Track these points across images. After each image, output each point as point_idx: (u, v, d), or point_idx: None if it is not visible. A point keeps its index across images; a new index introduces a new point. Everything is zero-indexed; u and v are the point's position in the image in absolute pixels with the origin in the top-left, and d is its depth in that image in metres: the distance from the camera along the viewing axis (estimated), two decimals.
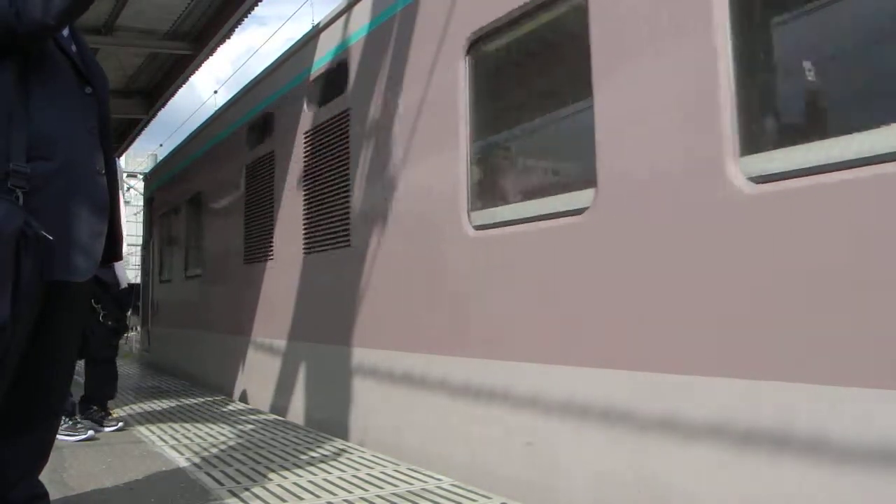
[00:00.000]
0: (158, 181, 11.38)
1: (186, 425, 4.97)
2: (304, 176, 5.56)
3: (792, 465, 2.12)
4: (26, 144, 1.91)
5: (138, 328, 13.15)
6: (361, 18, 4.87)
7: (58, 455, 3.89)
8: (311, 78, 5.60)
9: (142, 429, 4.80)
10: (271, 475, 3.44)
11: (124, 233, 2.39)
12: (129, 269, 15.29)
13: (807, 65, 2.37)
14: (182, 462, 3.77)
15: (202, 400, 6.39)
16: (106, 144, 2.17)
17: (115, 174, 2.21)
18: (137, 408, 5.88)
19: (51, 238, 1.89)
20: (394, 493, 3.11)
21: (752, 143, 2.30)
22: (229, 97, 10.00)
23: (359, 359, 4.63)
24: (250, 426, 4.94)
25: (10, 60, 1.94)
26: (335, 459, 3.81)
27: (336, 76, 5.19)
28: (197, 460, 3.81)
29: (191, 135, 9.69)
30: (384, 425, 4.32)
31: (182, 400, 6.36)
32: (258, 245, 6.56)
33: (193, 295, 8.86)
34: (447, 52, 3.85)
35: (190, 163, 9.36)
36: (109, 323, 4.92)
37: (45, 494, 2.17)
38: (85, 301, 2.18)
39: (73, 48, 2.16)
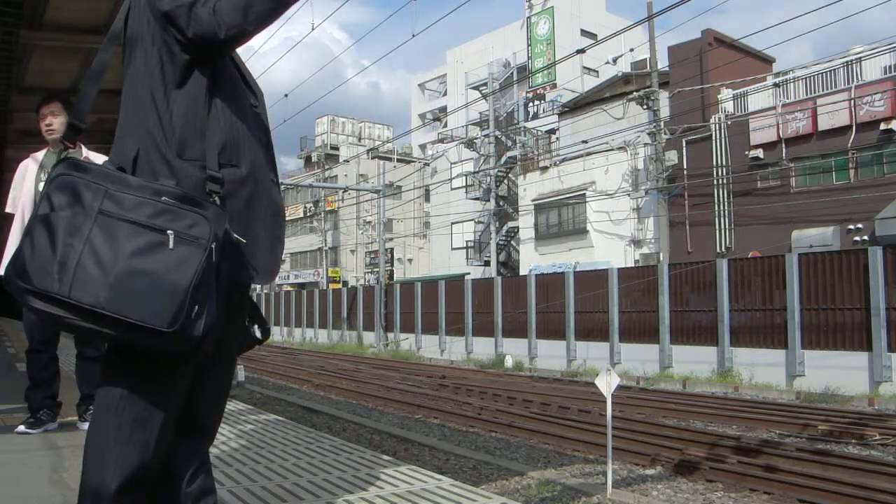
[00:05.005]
0: None
1: None
2: None
3: None
4: (217, 151, 1.98)
5: None
6: None
7: (58, 454, 3.90)
8: None
9: None
10: (271, 475, 3.44)
11: None
12: None
13: None
14: None
15: None
16: (273, 155, 2.24)
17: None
18: None
19: (244, 242, 1.95)
20: (394, 493, 3.11)
21: None
22: None
23: None
24: (250, 426, 4.94)
25: (201, 69, 1.98)
26: (335, 459, 3.82)
27: None
28: None
29: None
30: None
31: None
32: None
33: None
34: None
35: None
36: None
37: (213, 490, 2.16)
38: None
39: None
